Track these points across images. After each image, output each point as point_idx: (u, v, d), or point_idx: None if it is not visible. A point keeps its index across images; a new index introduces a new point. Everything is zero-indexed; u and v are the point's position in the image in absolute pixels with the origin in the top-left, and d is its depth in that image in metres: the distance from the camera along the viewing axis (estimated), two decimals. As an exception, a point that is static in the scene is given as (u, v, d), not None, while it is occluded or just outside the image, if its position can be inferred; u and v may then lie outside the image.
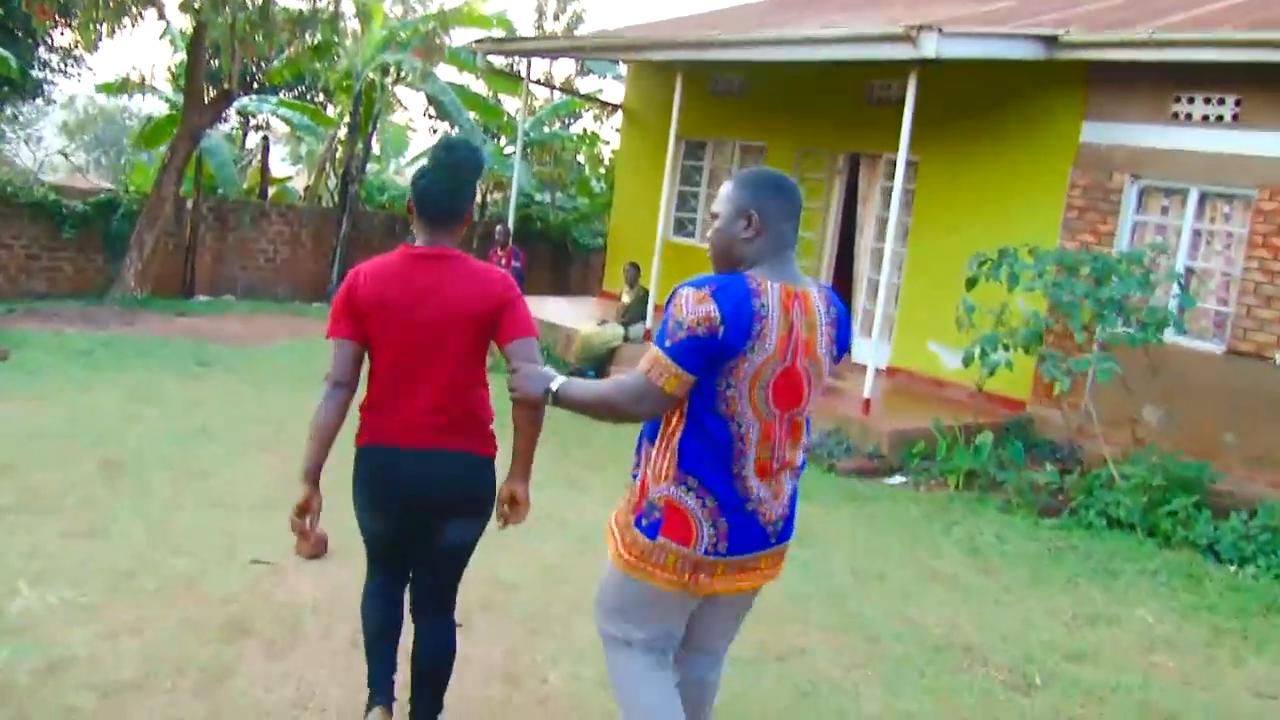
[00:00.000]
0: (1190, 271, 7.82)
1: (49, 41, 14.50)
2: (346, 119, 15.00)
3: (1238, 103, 7.52)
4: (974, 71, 8.41)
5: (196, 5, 11.02)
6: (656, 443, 2.38)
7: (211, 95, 12.77)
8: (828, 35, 7.70)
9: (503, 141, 16.85)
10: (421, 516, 2.73)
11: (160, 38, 14.06)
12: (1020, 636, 4.58)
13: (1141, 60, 7.65)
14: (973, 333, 7.40)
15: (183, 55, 13.36)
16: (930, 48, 7.03)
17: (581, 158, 17.88)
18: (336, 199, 15.38)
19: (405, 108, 21.41)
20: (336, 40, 13.97)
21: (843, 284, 10.60)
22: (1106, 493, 6.57)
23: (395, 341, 2.66)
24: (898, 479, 7.34)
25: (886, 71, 9.54)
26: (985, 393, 7.89)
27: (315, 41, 13.69)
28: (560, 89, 17.13)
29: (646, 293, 10.40)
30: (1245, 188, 7.54)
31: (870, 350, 8.13)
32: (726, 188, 2.43)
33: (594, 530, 4.83)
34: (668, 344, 2.26)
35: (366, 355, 2.72)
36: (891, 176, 9.83)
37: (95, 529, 4.55)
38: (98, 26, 11.16)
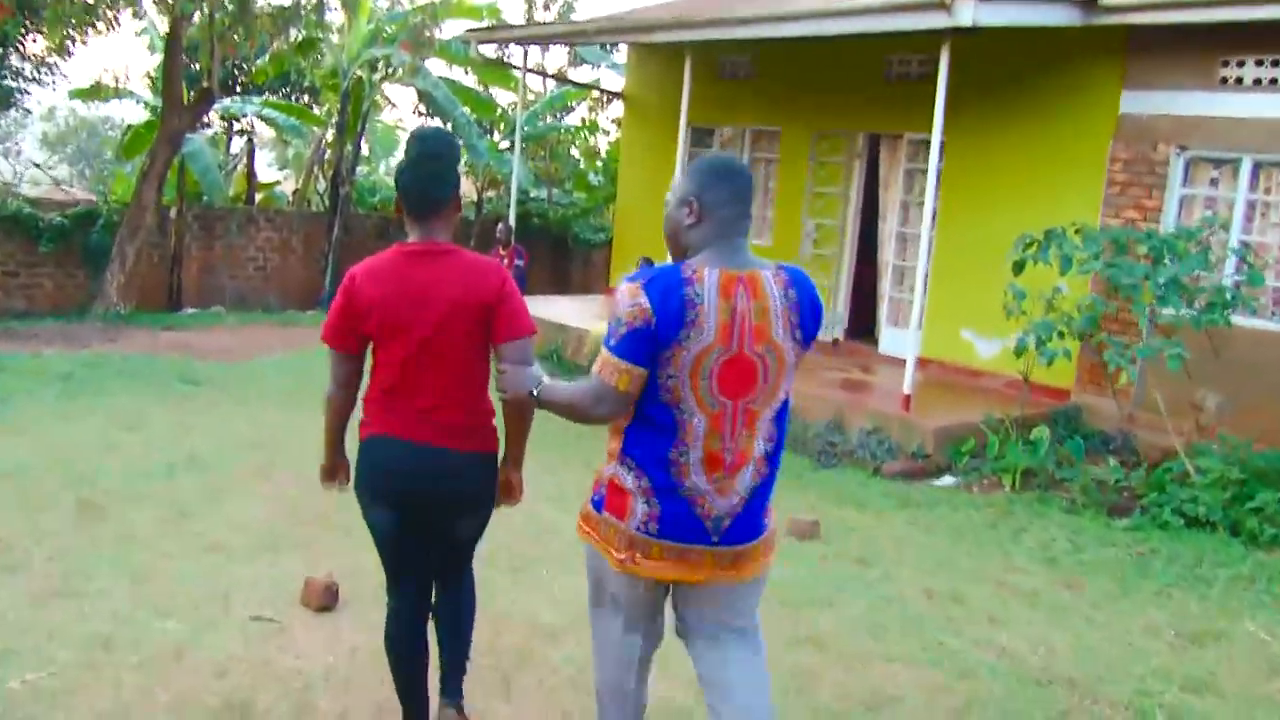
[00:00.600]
0: (1245, 245, 7.29)
1: (20, 49, 13.86)
2: (334, 119, 14.42)
3: (1294, 63, 7.01)
4: (1003, 42, 7.88)
5: (171, 0, 10.39)
6: (610, 428, 2.45)
7: (191, 97, 12.14)
8: (857, 5, 7.15)
9: (497, 136, 16.26)
10: (425, 512, 2.74)
11: (138, 35, 13.45)
12: (1125, 664, 4.05)
13: (1188, 22, 7.16)
14: (1022, 320, 6.87)
15: (161, 57, 12.73)
16: (967, 15, 6.52)
17: (576, 151, 17.30)
18: (326, 202, 14.84)
19: (395, 105, 20.76)
20: (321, 36, 13.37)
21: (865, 271, 10.08)
22: (1180, 488, 6.04)
23: (396, 341, 2.64)
24: (948, 479, 6.80)
25: (905, 46, 9.01)
26: (1030, 382, 7.36)
27: (299, 38, 13.11)
28: (557, 78, 16.49)
29: (660, 288, 9.83)
30: (1305, 154, 7.03)
31: (909, 341, 7.57)
32: (676, 175, 2.09)
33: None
34: (612, 342, 2.31)
35: (368, 353, 2.73)
36: (914, 157, 9.34)
37: (69, 587, 3.92)
38: (68, 28, 10.55)
